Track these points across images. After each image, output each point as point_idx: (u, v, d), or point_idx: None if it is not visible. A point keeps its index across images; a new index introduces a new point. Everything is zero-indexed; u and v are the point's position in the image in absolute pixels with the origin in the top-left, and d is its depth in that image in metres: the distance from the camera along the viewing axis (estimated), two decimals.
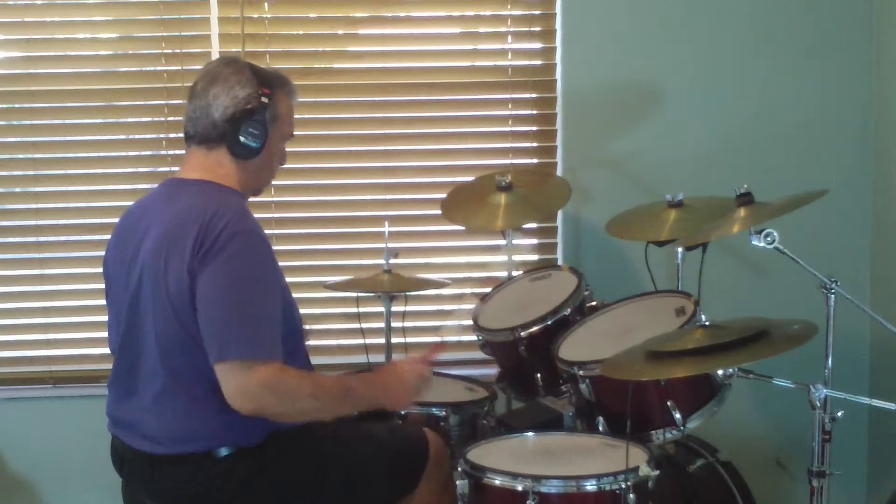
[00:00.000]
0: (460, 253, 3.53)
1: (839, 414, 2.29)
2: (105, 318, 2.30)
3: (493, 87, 3.45)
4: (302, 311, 2.30)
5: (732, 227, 2.30)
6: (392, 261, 3.05)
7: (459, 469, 2.27)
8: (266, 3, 3.38)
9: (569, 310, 2.76)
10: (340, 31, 3.45)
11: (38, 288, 3.43)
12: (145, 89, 3.38)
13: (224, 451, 2.11)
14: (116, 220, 2.31)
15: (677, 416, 2.37)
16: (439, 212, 3.18)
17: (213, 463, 2.11)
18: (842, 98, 3.40)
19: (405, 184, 3.48)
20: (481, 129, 3.49)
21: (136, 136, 3.42)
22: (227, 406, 2.04)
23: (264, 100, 2.19)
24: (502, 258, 3.25)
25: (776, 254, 2.20)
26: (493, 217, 3.05)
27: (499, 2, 3.43)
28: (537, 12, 3.42)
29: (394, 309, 3.12)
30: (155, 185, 2.34)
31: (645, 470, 2.14)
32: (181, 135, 2.28)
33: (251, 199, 2.30)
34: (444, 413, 2.67)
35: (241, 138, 2.18)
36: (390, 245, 3.06)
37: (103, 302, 2.32)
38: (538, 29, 3.44)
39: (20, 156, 3.41)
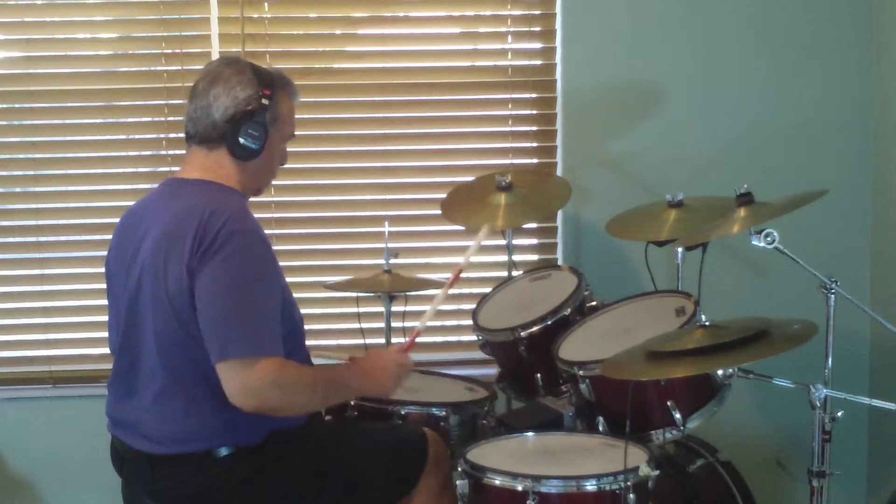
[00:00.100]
0: (460, 253, 3.52)
1: (839, 414, 2.29)
2: (105, 318, 2.30)
3: (493, 87, 3.45)
4: (302, 311, 2.30)
5: (732, 227, 2.30)
6: (392, 261, 3.05)
7: (459, 469, 2.27)
8: (266, 3, 3.38)
9: (569, 310, 2.76)
10: (340, 31, 3.45)
11: (38, 288, 3.43)
12: (145, 89, 3.38)
13: (224, 451, 2.12)
14: (116, 220, 2.32)
15: (677, 416, 2.37)
16: (439, 212, 3.18)
17: (212, 463, 2.11)
18: (842, 98, 3.40)
19: (405, 184, 3.48)
20: (481, 129, 3.49)
21: (136, 136, 3.42)
22: (226, 406, 2.04)
23: (265, 101, 2.19)
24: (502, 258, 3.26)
25: (776, 254, 2.20)
26: (493, 217, 3.05)
27: (499, 2, 3.43)
28: (537, 12, 3.42)
29: (394, 309, 3.12)
30: (155, 185, 2.34)
31: (645, 470, 2.14)
32: (181, 135, 2.28)
33: (251, 198, 2.30)
34: (444, 413, 2.67)
35: (241, 139, 2.18)
36: (390, 245, 3.06)
37: (103, 302, 2.33)
38: (538, 29, 3.44)
39: (20, 156, 3.41)
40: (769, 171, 3.32)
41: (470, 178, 3.28)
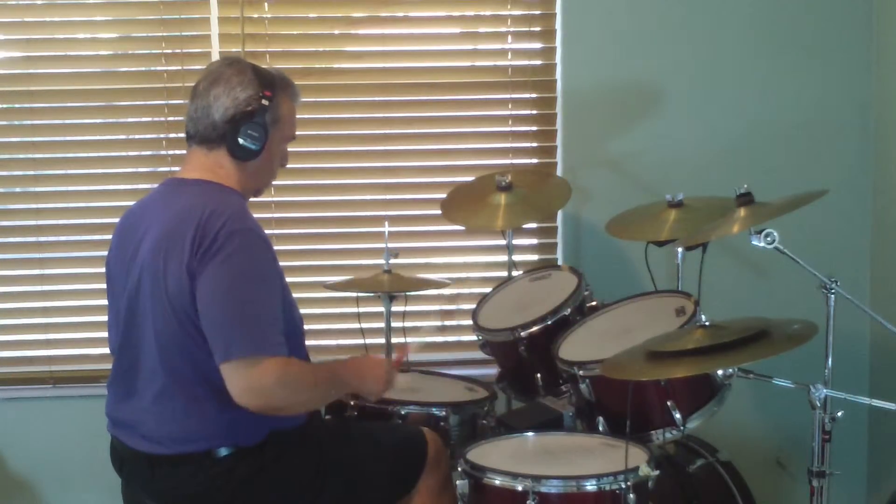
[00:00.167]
0: (460, 253, 3.53)
1: (839, 414, 2.29)
2: (105, 318, 2.31)
3: (493, 87, 3.45)
4: (302, 311, 2.31)
5: (732, 227, 2.29)
6: (392, 261, 3.05)
7: (459, 469, 2.27)
8: (266, 3, 3.38)
9: (569, 310, 2.76)
10: (340, 31, 3.45)
11: (38, 288, 3.43)
12: (145, 89, 3.38)
13: (224, 451, 2.12)
14: (116, 220, 2.32)
15: (677, 416, 2.37)
16: (439, 212, 3.18)
17: (212, 463, 2.11)
18: (842, 98, 3.40)
19: (405, 184, 3.47)
20: (481, 129, 3.49)
21: (136, 136, 3.42)
22: (226, 406, 2.04)
23: (265, 102, 2.19)
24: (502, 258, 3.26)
25: (776, 254, 2.20)
26: (493, 217, 3.05)
27: (499, 2, 3.43)
28: (537, 12, 3.42)
29: (394, 309, 3.12)
30: (155, 185, 2.34)
31: (645, 470, 2.14)
32: (181, 135, 2.29)
33: (251, 199, 2.30)
34: (444, 413, 2.67)
35: (241, 140, 2.18)
36: (390, 245, 3.06)
37: (103, 302, 2.33)
38: (538, 29, 3.44)
39: (20, 156, 3.41)
40: (769, 171, 3.32)
41: (470, 178, 3.28)
